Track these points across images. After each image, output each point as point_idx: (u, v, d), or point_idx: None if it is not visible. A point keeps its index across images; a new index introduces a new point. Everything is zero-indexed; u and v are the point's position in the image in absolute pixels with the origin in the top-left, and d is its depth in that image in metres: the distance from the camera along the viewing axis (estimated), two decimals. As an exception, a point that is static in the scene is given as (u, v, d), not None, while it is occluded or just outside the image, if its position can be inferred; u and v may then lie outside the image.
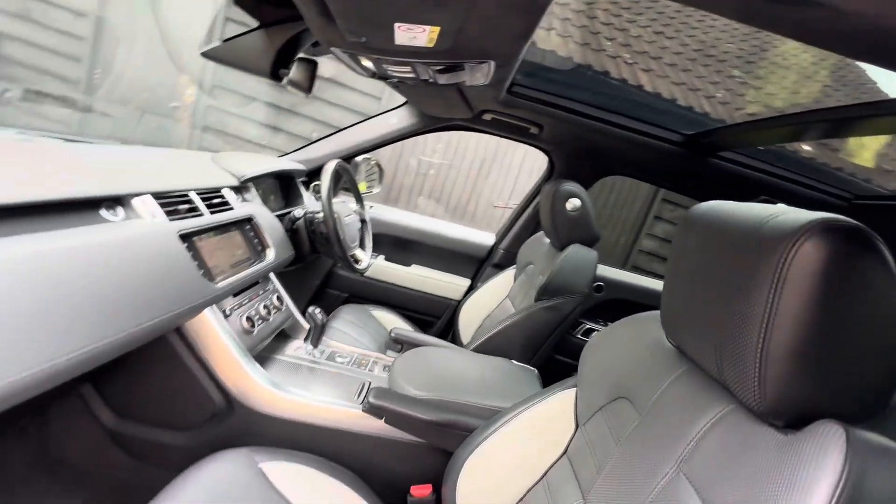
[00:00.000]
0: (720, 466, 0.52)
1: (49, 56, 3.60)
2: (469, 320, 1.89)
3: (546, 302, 1.42)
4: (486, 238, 2.15)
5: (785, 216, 0.50)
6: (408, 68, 0.99)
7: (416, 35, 0.71)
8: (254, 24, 0.95)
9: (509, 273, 1.89)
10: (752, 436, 0.51)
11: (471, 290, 2.05)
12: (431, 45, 0.77)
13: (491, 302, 1.87)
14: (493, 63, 0.92)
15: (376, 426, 1.02)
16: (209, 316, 1.00)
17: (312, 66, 0.97)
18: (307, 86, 0.96)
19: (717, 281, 0.56)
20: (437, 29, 0.66)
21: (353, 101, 4.10)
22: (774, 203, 1.63)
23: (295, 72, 0.96)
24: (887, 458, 0.42)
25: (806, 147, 2.12)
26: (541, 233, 1.80)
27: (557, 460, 0.86)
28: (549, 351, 1.49)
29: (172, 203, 0.99)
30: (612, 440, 0.74)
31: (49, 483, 1.01)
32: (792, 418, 0.48)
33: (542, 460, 0.87)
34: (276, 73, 0.99)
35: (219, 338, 1.00)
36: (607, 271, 2.02)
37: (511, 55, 0.88)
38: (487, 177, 4.61)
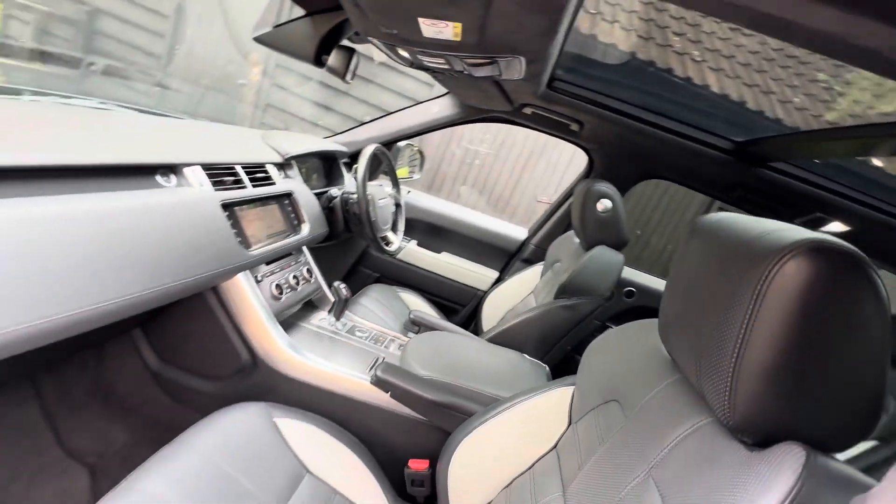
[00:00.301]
0: (685, 475, 0.53)
1: (136, 31, 3.94)
2: (492, 311, 1.92)
3: (565, 301, 1.42)
4: (519, 232, 2.16)
5: (782, 233, 0.49)
6: (441, 59, 1.02)
7: (441, 29, 0.74)
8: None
9: (537, 269, 1.89)
10: (720, 450, 0.51)
11: (498, 281, 2.07)
12: (458, 39, 0.80)
13: (515, 295, 1.89)
14: (523, 59, 0.93)
15: (382, 399, 1.08)
16: (242, 279, 1.10)
17: (350, 53, 1.02)
18: (343, 72, 1.02)
19: (706, 292, 0.56)
20: (459, 25, 0.69)
21: (407, 86, 4.17)
22: (827, 222, 1.52)
23: (333, 58, 1.01)
24: (844, 488, 0.41)
25: (877, 163, 1.93)
26: (572, 231, 1.79)
27: (546, 453, 0.88)
28: (563, 349, 1.49)
29: (219, 174, 1.09)
30: (597, 439, 0.75)
31: (101, 409, 1.16)
32: (760, 436, 0.48)
33: (532, 451, 0.90)
34: (319, 59, 1.05)
35: (249, 300, 1.10)
36: (642, 277, 1.97)
37: (540, 52, 0.89)
38: (533, 171, 4.55)
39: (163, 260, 0.83)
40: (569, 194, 2.00)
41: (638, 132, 1.59)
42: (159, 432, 1.17)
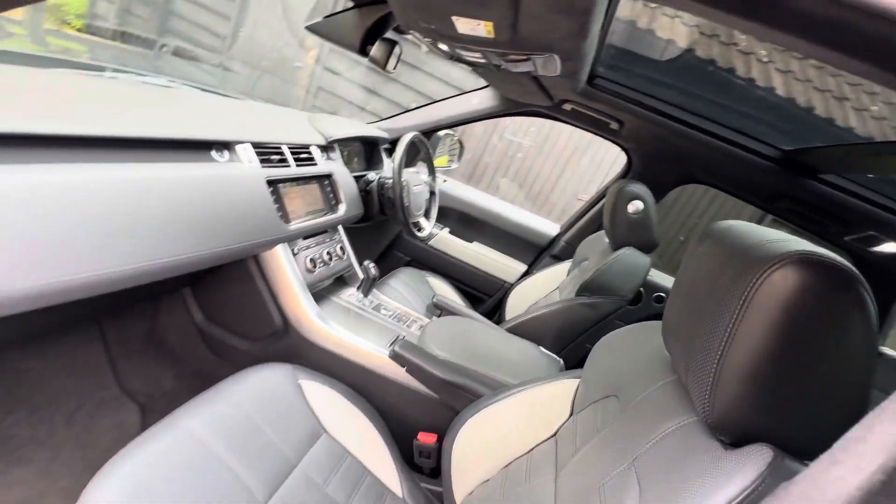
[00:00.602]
0: (663, 467, 0.55)
1: (205, 13, 4.19)
2: (517, 304, 1.95)
3: (586, 298, 1.43)
4: (550, 228, 2.16)
5: (779, 243, 0.50)
6: (479, 54, 1.06)
7: (474, 27, 0.77)
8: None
9: (565, 265, 1.90)
10: (698, 446, 0.53)
11: (525, 275, 2.09)
12: (492, 36, 0.83)
13: (541, 290, 1.91)
14: (557, 57, 0.95)
15: (398, 373, 1.15)
16: (280, 251, 1.19)
17: (392, 45, 1.07)
18: (384, 63, 1.08)
19: (704, 296, 0.57)
20: (490, 23, 0.72)
21: (454, 74, 4.19)
22: (881, 242, 1.43)
23: (376, 49, 1.07)
24: None
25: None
26: (603, 231, 1.78)
27: (546, 440, 0.92)
28: (582, 347, 1.51)
29: (267, 153, 1.19)
30: (593, 431, 0.78)
31: (153, 356, 1.31)
32: (736, 436, 0.50)
33: (533, 437, 0.94)
34: (363, 49, 1.11)
35: (285, 270, 1.19)
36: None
37: (574, 50, 0.90)
38: (577, 167, 4.48)
39: (213, 226, 0.93)
40: (604, 194, 1.98)
41: (679, 134, 1.55)
42: (200, 381, 1.30)
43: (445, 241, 2.18)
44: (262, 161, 1.15)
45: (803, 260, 0.45)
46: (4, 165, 0.64)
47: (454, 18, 0.74)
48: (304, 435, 0.97)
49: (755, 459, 0.45)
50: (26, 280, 0.62)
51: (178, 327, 1.33)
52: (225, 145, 1.08)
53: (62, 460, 1.06)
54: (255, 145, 1.15)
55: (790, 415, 0.47)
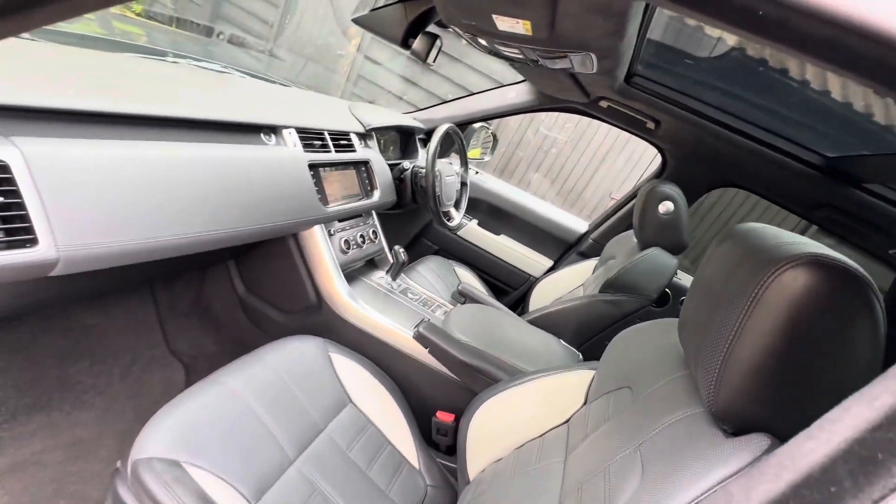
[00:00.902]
0: (666, 451, 0.59)
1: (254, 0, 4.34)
2: (541, 298, 1.97)
3: (609, 295, 1.44)
4: (579, 225, 2.16)
5: (796, 245, 0.52)
6: (517, 50, 1.09)
7: (513, 24, 0.81)
8: None
9: (591, 263, 1.90)
10: (702, 433, 0.56)
11: (551, 270, 2.11)
12: (530, 33, 0.86)
13: (565, 286, 1.92)
14: (593, 55, 0.97)
15: (421, 353, 1.21)
16: (318, 231, 1.27)
17: (434, 39, 1.11)
18: (425, 56, 1.12)
19: (717, 293, 0.59)
20: (528, 22, 0.75)
21: (494, 68, 4.19)
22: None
23: (418, 42, 1.12)
24: None
25: None
26: (632, 231, 1.77)
27: (559, 426, 0.96)
28: (601, 343, 1.52)
29: (310, 138, 1.26)
30: (604, 419, 0.82)
31: (197, 321, 1.42)
32: (738, 426, 0.52)
33: (546, 422, 0.98)
34: (406, 41, 1.16)
35: (321, 250, 1.27)
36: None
37: (610, 49, 0.92)
38: (612, 166, 4.40)
39: (260, 204, 1.01)
40: (635, 193, 1.97)
41: (717, 136, 1.53)
42: (238, 347, 1.41)
43: (473, 232, 2.22)
44: (305, 146, 1.22)
45: (814, 262, 0.47)
46: (95, 140, 0.73)
47: (494, 16, 0.78)
48: (331, 402, 1.04)
49: (752, 446, 0.47)
50: (110, 239, 0.71)
51: (222, 297, 1.43)
52: (273, 129, 1.16)
53: (117, 408, 1.18)
54: (300, 130, 1.22)
55: (791, 409, 0.49)
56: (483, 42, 1.12)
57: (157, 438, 0.76)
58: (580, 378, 0.98)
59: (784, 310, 0.47)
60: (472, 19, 0.84)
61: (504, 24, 0.82)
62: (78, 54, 0.94)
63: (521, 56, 1.14)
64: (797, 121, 1.52)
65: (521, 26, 0.80)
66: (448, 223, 1.78)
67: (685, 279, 1.94)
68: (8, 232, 0.63)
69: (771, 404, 0.50)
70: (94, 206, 0.71)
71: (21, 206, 0.63)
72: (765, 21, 0.28)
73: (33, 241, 0.64)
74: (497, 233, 2.24)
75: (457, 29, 1.08)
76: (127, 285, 1.31)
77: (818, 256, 0.47)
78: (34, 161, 0.65)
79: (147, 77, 0.99)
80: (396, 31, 1.14)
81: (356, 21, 1.19)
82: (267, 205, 1.04)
